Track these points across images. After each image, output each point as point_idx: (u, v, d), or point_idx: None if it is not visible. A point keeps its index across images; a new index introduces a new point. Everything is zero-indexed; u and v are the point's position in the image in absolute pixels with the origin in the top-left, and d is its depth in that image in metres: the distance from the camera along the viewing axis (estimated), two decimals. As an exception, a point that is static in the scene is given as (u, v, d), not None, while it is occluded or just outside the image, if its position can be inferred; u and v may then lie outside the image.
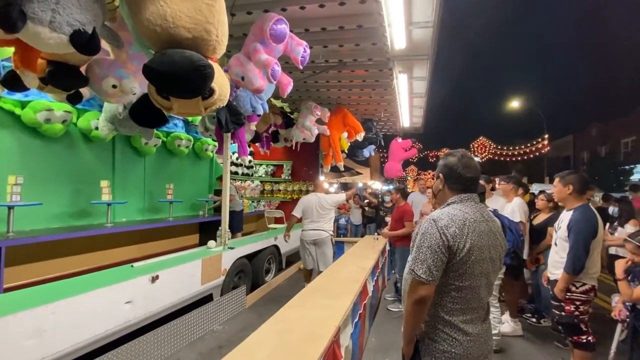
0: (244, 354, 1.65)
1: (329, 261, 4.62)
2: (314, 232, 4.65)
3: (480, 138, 26.00)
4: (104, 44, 2.98)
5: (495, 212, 3.18)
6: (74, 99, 2.88)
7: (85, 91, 3.02)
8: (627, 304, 2.29)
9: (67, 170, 3.99)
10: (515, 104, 20.25)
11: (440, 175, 1.58)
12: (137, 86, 2.85)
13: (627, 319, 2.34)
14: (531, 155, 20.97)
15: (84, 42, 1.71)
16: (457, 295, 1.41)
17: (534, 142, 20.74)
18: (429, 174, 34.24)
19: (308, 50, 2.95)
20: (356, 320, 2.75)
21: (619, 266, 2.36)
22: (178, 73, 1.72)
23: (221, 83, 1.94)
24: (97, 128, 3.97)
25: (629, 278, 2.27)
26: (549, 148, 19.67)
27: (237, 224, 5.66)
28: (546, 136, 19.12)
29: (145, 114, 2.34)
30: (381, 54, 3.71)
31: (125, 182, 4.75)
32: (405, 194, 4.56)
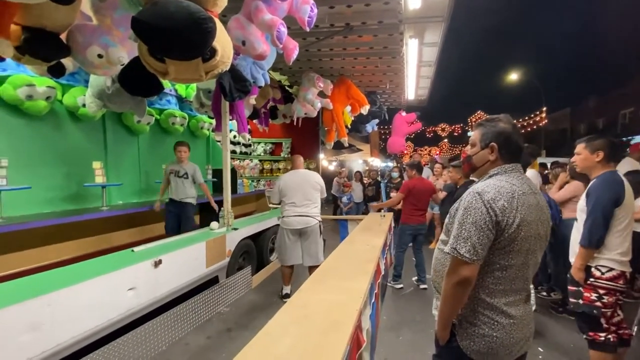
0: (264, 345, 1.49)
1: (317, 254, 3.80)
2: (300, 219, 3.74)
3: (478, 112, 25.75)
4: (87, 9, 2.67)
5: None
6: (56, 71, 2.59)
7: (68, 63, 2.72)
8: None
9: (55, 151, 3.75)
10: (513, 76, 19.78)
11: (495, 144, 1.37)
12: (126, 55, 2.55)
13: None
14: (529, 129, 20.81)
15: None
16: (501, 275, 1.29)
17: (532, 115, 20.56)
18: (426, 149, 34.02)
19: (315, 10, 2.63)
20: (373, 300, 2.63)
21: None
22: (174, 27, 1.42)
23: (223, 42, 1.67)
24: (84, 105, 3.69)
25: None
26: (546, 121, 19.46)
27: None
28: (544, 109, 18.88)
29: (137, 81, 2.04)
30: (393, 15, 3.38)
31: (119, 163, 4.52)
32: (420, 169, 4.54)
